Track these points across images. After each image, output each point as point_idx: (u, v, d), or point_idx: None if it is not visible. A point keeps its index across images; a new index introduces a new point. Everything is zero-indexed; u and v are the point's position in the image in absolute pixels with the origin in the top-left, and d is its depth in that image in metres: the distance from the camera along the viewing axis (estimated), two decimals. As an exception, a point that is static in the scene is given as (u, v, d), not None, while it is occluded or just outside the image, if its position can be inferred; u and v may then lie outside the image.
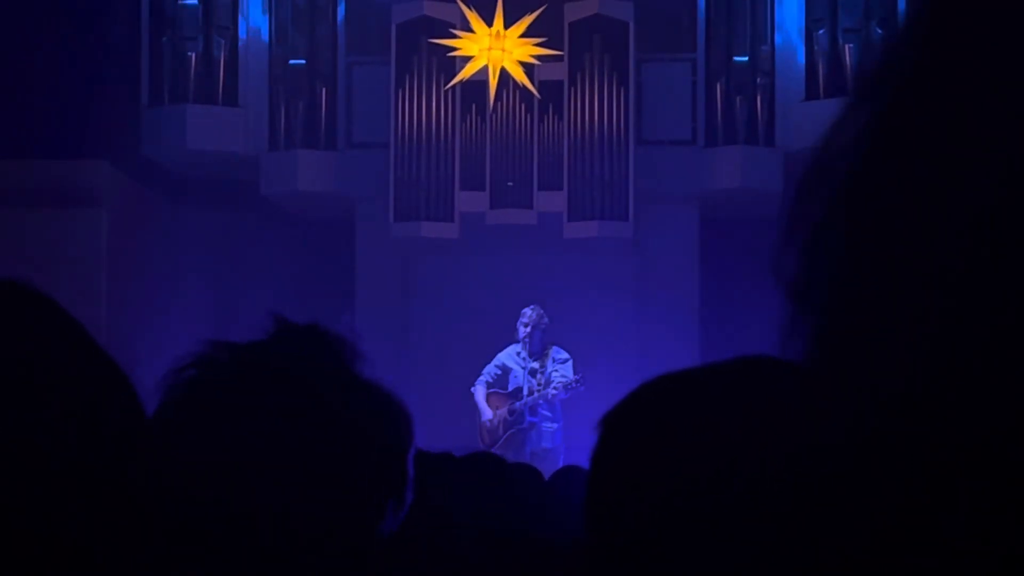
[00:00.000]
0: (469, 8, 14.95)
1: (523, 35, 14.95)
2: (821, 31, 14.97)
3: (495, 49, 14.98)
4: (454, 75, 15.05)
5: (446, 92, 15.09)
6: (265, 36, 15.60)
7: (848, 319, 0.71)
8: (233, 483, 1.51)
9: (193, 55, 15.21)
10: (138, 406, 1.13)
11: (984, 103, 0.66)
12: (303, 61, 15.50)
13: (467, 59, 15.05)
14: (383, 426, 1.64)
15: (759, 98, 15.10)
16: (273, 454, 1.53)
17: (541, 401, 13.30)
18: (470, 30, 15.01)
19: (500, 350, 13.70)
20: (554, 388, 13.22)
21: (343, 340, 1.66)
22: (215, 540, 1.48)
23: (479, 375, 13.70)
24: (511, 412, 13.41)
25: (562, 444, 13.18)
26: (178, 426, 1.54)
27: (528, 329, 13.35)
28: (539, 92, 15.00)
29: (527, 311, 13.45)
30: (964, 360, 0.64)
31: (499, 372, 13.64)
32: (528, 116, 15.08)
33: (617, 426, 1.44)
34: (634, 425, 1.43)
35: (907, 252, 0.68)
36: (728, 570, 1.31)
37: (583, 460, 1.52)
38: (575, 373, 13.28)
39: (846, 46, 14.82)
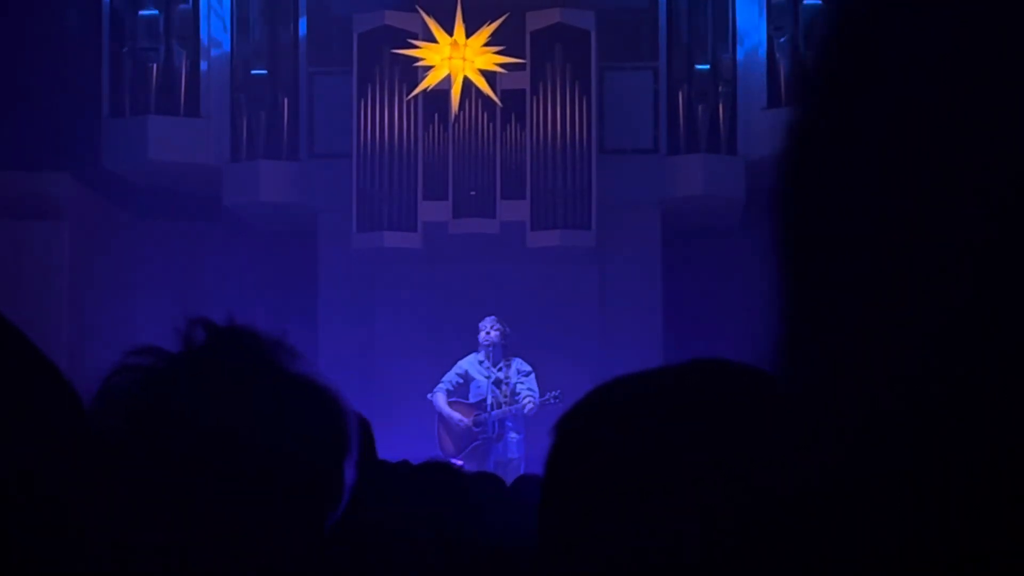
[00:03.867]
0: (430, 17, 14.95)
1: (485, 44, 14.96)
2: (782, 39, 15.02)
3: (456, 58, 14.97)
4: (416, 85, 15.04)
5: (408, 102, 15.08)
6: (226, 46, 15.57)
7: (800, 332, 0.71)
8: (165, 488, 1.50)
9: (154, 66, 15.17)
10: (80, 410, 1.12)
11: (897, 107, 0.67)
12: (265, 71, 15.47)
13: (429, 68, 15.05)
14: (314, 422, 1.63)
15: (721, 106, 15.14)
16: (203, 459, 1.52)
17: (509, 415, 13.32)
18: (432, 39, 15.00)
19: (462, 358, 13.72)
20: (530, 404, 13.21)
21: (273, 340, 1.65)
22: (148, 548, 1.48)
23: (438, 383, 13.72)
24: (476, 424, 13.41)
25: (524, 454, 13.20)
26: (111, 434, 1.53)
27: (496, 342, 13.36)
28: (501, 101, 15.01)
29: (494, 324, 13.43)
30: (908, 371, 0.64)
31: (460, 380, 13.64)
32: (490, 125, 15.08)
33: (571, 430, 1.44)
34: (588, 428, 1.43)
35: (838, 264, 0.68)
36: (681, 572, 1.31)
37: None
38: (541, 386, 13.30)
39: (808, 54, 14.85)
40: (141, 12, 15.16)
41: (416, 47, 15.02)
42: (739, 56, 15.29)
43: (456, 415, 13.53)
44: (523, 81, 15.03)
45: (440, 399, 13.63)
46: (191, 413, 1.55)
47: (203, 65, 15.46)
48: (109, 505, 1.10)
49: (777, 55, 15.09)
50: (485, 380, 13.43)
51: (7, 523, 1.01)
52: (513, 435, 13.33)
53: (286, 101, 15.48)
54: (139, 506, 1.48)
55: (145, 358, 1.58)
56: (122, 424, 1.54)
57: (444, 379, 13.70)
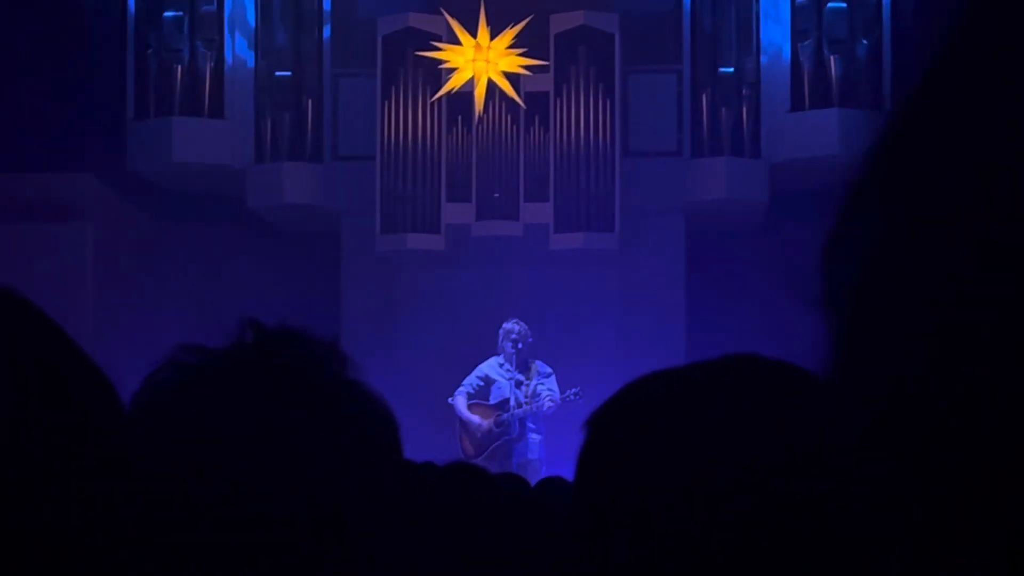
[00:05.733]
0: (454, 20, 14.96)
1: (509, 46, 14.96)
2: (806, 42, 15.00)
3: (480, 60, 14.98)
4: (440, 87, 15.05)
5: (432, 104, 15.09)
6: (251, 48, 15.59)
7: (865, 325, 0.70)
8: (208, 486, 1.49)
9: (179, 67, 15.20)
10: (120, 408, 1.13)
11: (1003, 112, 0.66)
12: (289, 73, 15.49)
13: (453, 71, 15.05)
14: (363, 423, 1.62)
15: (745, 109, 15.12)
16: (247, 455, 1.51)
17: (530, 414, 13.31)
18: (456, 42, 15.01)
19: (483, 362, 13.71)
20: (550, 401, 13.21)
21: (320, 340, 1.65)
22: (193, 540, 1.47)
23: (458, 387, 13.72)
24: (498, 424, 13.41)
25: (545, 455, 13.19)
26: (148, 430, 1.52)
27: (518, 345, 13.36)
28: (525, 103, 15.00)
29: (512, 326, 13.43)
30: (976, 366, 0.64)
31: (481, 384, 13.63)
32: (514, 127, 15.08)
33: (603, 425, 1.44)
34: (620, 424, 1.43)
35: (924, 257, 0.67)
36: (715, 567, 1.31)
37: (565, 471, 1.51)
38: (562, 388, 13.30)
39: (831, 57, 14.85)
40: (165, 14, 15.19)
41: (440, 49, 15.03)
42: (763, 59, 15.26)
43: (476, 418, 13.53)
44: (547, 83, 15.03)
45: (460, 402, 13.62)
46: (237, 413, 1.54)
47: (227, 67, 15.48)
48: (146, 503, 1.10)
49: (801, 58, 15.07)
50: (506, 382, 13.43)
51: (42, 519, 1.01)
52: (534, 436, 13.34)
53: (310, 103, 15.50)
54: (178, 505, 1.47)
55: (193, 355, 1.57)
56: (164, 421, 1.53)
57: (465, 382, 13.69)
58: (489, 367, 13.63)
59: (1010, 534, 0.63)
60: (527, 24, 14.85)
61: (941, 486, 0.65)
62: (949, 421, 0.64)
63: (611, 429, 1.44)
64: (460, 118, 15.12)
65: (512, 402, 13.34)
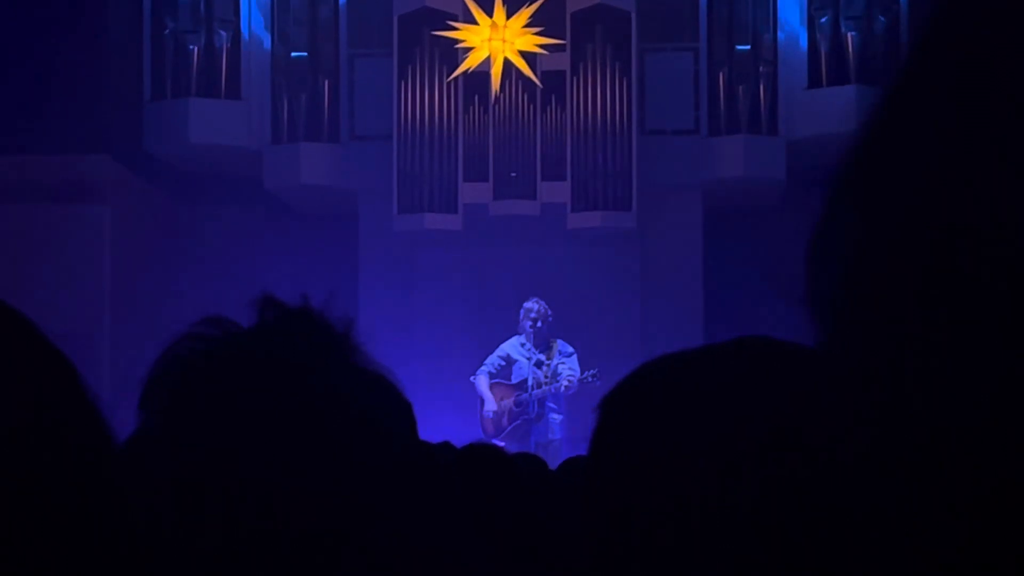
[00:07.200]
0: (470, -1, 14.96)
1: (525, 25, 14.94)
2: (823, 19, 14.97)
3: (496, 40, 14.97)
4: (456, 66, 15.04)
5: (448, 83, 15.08)
6: (267, 29, 15.60)
7: (857, 308, 0.70)
8: (228, 474, 1.48)
9: (195, 48, 15.22)
10: (97, 416, 1.08)
11: (991, 95, 0.66)
12: (305, 54, 15.50)
13: (469, 50, 15.04)
14: (376, 410, 1.61)
15: (762, 87, 15.10)
16: (265, 442, 1.50)
17: (548, 395, 13.32)
18: (472, 21, 15.00)
19: (504, 341, 13.71)
20: (567, 382, 13.21)
21: (336, 323, 1.63)
22: (208, 533, 1.46)
23: (480, 366, 13.73)
24: (518, 403, 13.42)
25: (566, 435, 13.20)
26: (169, 414, 1.50)
27: (538, 324, 13.36)
28: (542, 82, 14.99)
29: (532, 305, 13.44)
30: (973, 346, 0.64)
31: (503, 363, 13.64)
32: (531, 107, 15.07)
33: (616, 407, 1.44)
34: (633, 405, 1.43)
35: (914, 237, 0.67)
36: (728, 550, 1.31)
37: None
38: (582, 367, 13.30)
39: (848, 34, 14.82)
40: (182, -6, 15.22)
41: (456, 28, 15.02)
42: (780, 36, 15.25)
43: (494, 397, 13.54)
44: (563, 62, 15.02)
45: (482, 381, 13.64)
46: (251, 390, 1.51)
47: (244, 47, 15.50)
48: (149, 501, 1.09)
49: (818, 35, 15.04)
50: (527, 361, 13.44)
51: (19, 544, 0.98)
52: (554, 415, 13.34)
53: (327, 83, 15.50)
54: (194, 494, 1.46)
55: (212, 329, 1.54)
56: (174, 394, 1.51)
57: (486, 362, 13.71)
58: (510, 346, 13.64)
59: (1009, 529, 0.63)
60: (543, 3, 14.84)
61: (948, 478, 0.64)
62: (955, 414, 0.64)
63: (623, 411, 1.43)
64: (477, 97, 15.12)
65: (530, 382, 13.35)
